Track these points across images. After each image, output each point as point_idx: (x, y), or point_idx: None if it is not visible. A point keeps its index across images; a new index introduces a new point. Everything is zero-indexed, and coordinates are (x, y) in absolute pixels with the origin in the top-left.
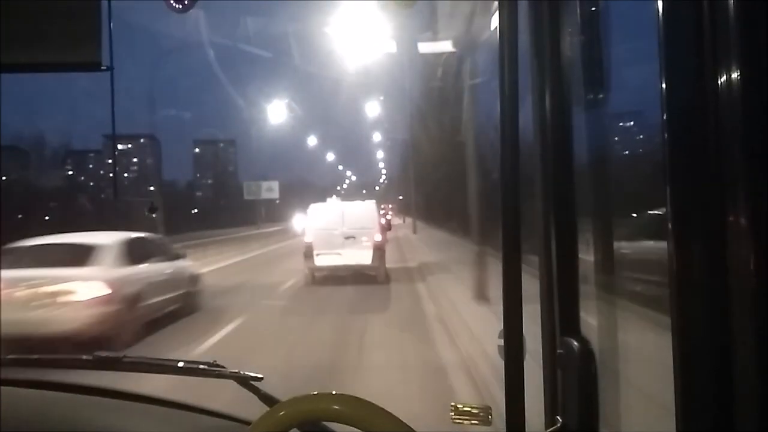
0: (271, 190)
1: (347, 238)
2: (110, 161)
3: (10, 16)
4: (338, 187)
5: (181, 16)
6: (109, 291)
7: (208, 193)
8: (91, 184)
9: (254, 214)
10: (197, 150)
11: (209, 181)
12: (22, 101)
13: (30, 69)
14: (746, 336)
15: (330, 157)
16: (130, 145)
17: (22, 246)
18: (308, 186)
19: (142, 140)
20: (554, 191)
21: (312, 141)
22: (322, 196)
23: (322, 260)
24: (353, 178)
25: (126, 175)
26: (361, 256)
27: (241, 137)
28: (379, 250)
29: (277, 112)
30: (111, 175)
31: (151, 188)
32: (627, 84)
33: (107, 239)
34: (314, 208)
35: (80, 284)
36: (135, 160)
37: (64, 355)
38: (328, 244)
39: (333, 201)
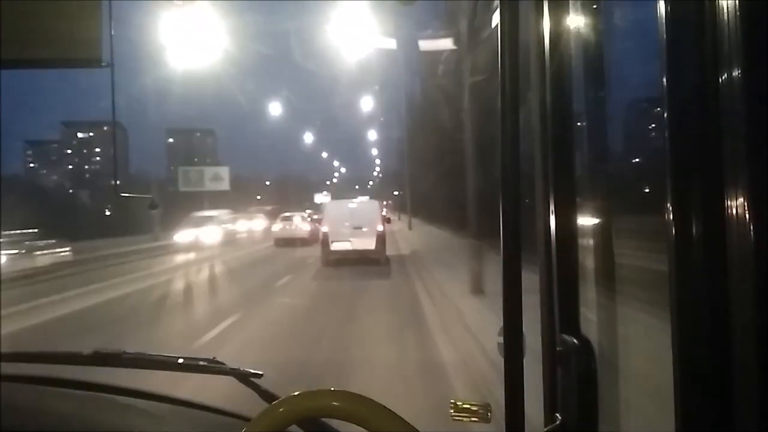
0: (217, 179)
1: (355, 228)
2: (76, 152)
3: (12, 14)
4: (327, 182)
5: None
6: (309, 227)
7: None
8: (54, 177)
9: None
10: (171, 140)
11: None
12: None
13: (31, 66)
14: (746, 336)
15: (320, 149)
16: (91, 134)
17: (285, 214)
18: (295, 180)
19: (105, 128)
20: (554, 189)
21: (296, 128)
22: (310, 192)
23: (335, 246)
24: (342, 170)
25: (86, 167)
26: (367, 243)
27: (222, 128)
28: (380, 238)
29: (266, 103)
30: (111, 168)
31: (117, 182)
32: (628, 82)
33: (304, 214)
34: (329, 205)
35: (302, 223)
36: (97, 150)
37: (64, 350)
38: (341, 233)
39: (322, 197)
